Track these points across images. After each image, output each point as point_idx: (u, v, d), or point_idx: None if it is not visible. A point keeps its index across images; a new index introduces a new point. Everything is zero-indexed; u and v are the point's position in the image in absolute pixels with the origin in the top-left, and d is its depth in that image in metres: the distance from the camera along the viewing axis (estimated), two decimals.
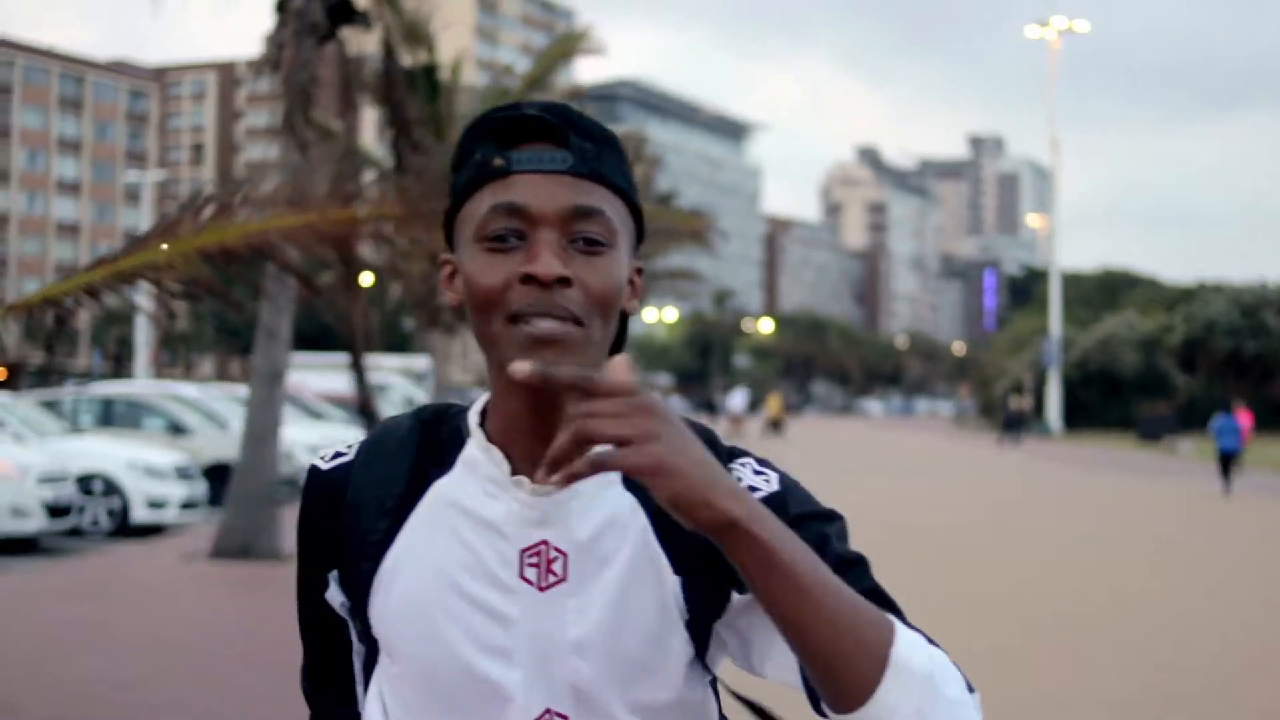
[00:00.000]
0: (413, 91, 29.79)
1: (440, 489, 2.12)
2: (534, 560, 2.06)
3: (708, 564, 2.05)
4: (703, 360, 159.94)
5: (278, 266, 9.46)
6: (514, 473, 2.08)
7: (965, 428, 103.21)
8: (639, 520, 2.10)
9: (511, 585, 2.06)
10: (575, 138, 2.06)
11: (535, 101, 2.11)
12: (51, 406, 29.18)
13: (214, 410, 30.02)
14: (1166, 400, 79.94)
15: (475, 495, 2.09)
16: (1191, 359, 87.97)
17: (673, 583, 2.08)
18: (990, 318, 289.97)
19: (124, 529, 23.05)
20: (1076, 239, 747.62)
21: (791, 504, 2.08)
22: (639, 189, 2.20)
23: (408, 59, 32.14)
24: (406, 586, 2.09)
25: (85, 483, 22.99)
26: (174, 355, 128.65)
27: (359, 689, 2.28)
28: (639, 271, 2.16)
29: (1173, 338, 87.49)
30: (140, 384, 41.27)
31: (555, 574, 2.06)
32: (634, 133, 67.30)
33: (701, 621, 2.09)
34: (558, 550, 2.06)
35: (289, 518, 18.80)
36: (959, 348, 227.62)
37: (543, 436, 2.04)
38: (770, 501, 2.03)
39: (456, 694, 2.07)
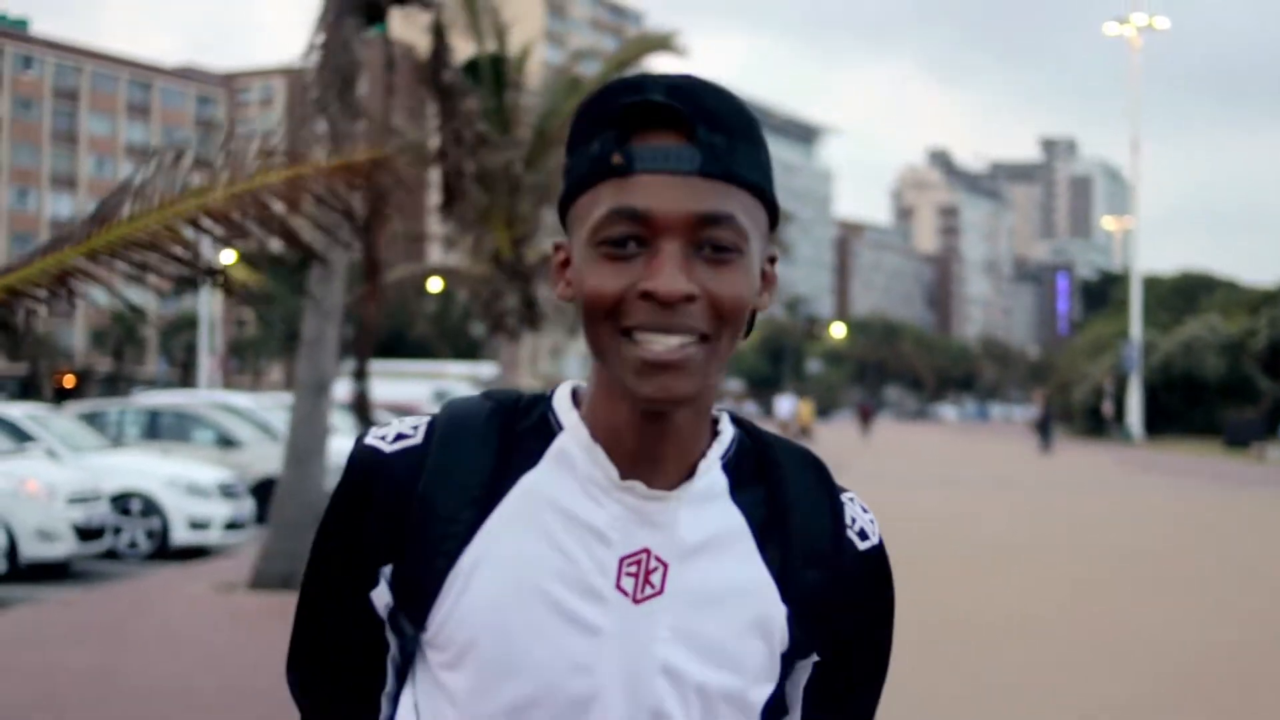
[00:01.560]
0: (475, 83, 28.46)
1: (531, 483, 2.00)
2: (633, 570, 1.97)
3: (821, 603, 2.05)
4: (774, 366, 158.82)
5: (272, 234, 7.83)
6: (622, 474, 1.98)
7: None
8: (745, 536, 2.03)
9: (605, 595, 1.96)
10: (704, 130, 1.90)
11: (662, 79, 1.93)
12: (94, 419, 27.72)
13: (266, 422, 28.62)
14: (1251, 405, 78.15)
15: (574, 495, 1.98)
16: (1276, 363, 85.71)
17: (777, 606, 2.02)
18: (1063, 322, 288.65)
19: (164, 551, 21.48)
20: (1152, 241, 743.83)
21: (892, 586, 2.14)
22: None
23: (471, 49, 30.81)
24: (486, 587, 1.96)
25: (122, 502, 21.47)
26: (242, 362, 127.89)
27: (382, 697, 2.10)
28: (772, 261, 2.03)
29: (1257, 341, 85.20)
30: (189, 394, 39.79)
31: (652, 586, 1.97)
32: None
33: (792, 658, 2.06)
34: (659, 560, 1.98)
35: None
36: (1032, 352, 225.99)
37: (651, 445, 1.98)
38: (871, 555, 2.10)
39: (527, 706, 1.96)
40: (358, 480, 2.02)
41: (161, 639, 14.18)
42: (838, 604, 2.06)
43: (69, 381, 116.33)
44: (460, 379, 51.35)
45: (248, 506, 22.65)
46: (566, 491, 1.98)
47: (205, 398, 34.45)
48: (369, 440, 2.04)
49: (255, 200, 7.67)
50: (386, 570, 2.00)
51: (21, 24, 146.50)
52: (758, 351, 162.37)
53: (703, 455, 2.03)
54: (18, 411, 22.89)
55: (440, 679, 2.01)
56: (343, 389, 47.06)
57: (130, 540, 21.57)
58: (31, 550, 18.72)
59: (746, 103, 2.02)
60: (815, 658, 2.08)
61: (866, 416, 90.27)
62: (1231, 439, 68.04)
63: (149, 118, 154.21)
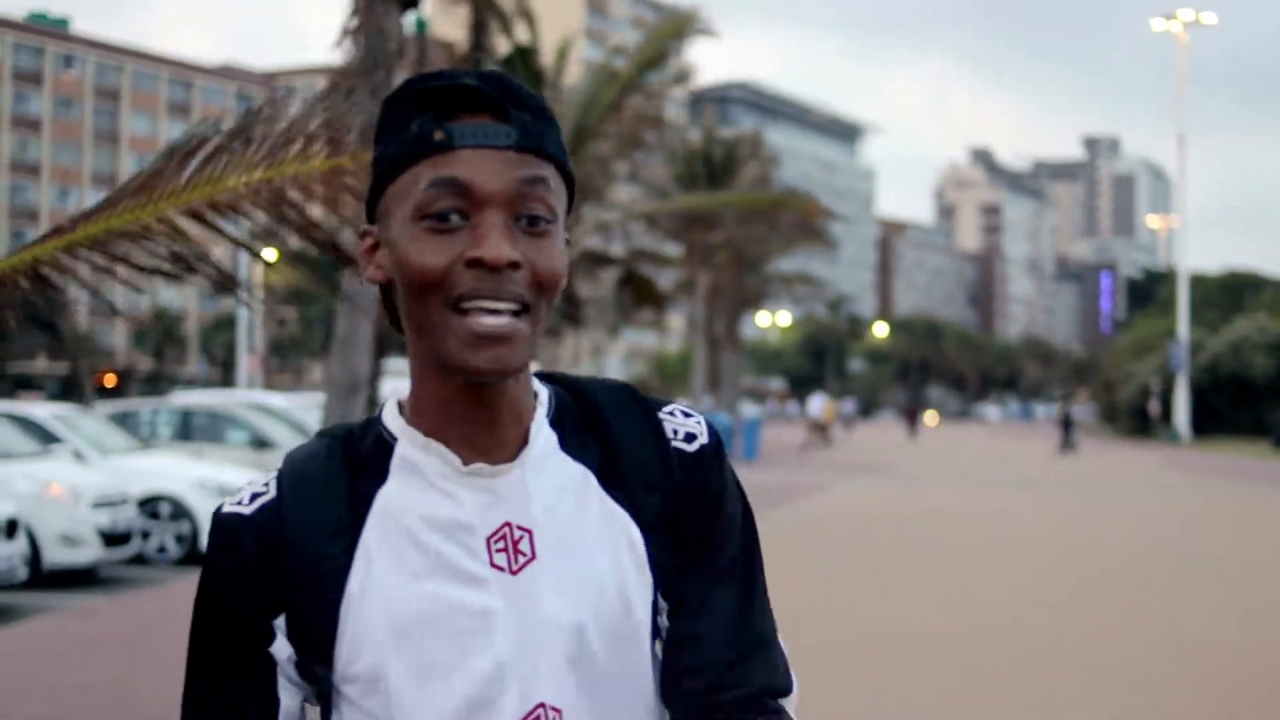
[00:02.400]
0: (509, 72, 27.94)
1: (385, 499, 2.08)
2: (501, 545, 2.06)
3: (667, 517, 2.14)
4: (817, 365, 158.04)
5: (292, 229, 7.14)
6: (465, 462, 2.06)
7: (1085, 434, 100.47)
8: (591, 484, 2.12)
9: (485, 576, 2.05)
10: (515, 110, 2.03)
11: (470, 71, 2.06)
12: (126, 420, 27.09)
13: (301, 422, 27.97)
14: None
15: (426, 496, 2.07)
16: None
17: (632, 534, 2.12)
18: (1106, 321, 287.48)
19: (194, 556, 20.81)
20: (1197, 239, 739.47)
21: (727, 470, 2.21)
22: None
23: (505, 44, 30.25)
24: (376, 605, 2.03)
25: (151, 505, 20.81)
26: (283, 361, 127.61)
27: None
28: (566, 242, 2.11)
29: None
30: (223, 394, 39.14)
31: (524, 554, 2.06)
32: (749, 136, 65.31)
33: (658, 575, 2.13)
34: (521, 529, 2.07)
35: None
36: (1075, 351, 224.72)
37: (483, 420, 2.06)
38: (698, 453, 2.18)
39: (447, 704, 2.03)
40: (227, 546, 2.07)
41: (181, 652, 13.51)
42: (680, 515, 2.15)
43: (110, 381, 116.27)
44: None
45: None
46: (418, 494, 2.06)
47: (239, 397, 33.82)
48: (227, 508, 2.10)
49: (272, 191, 6.96)
50: (280, 622, 2.06)
51: (63, 23, 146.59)
52: (800, 351, 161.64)
53: (531, 420, 2.12)
54: (43, 412, 22.23)
55: (360, 706, 2.06)
56: (387, 389, 46.58)
57: (159, 545, 20.93)
58: (55, 556, 18.10)
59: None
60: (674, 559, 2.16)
61: (913, 417, 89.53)
62: None
63: (190, 116, 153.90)
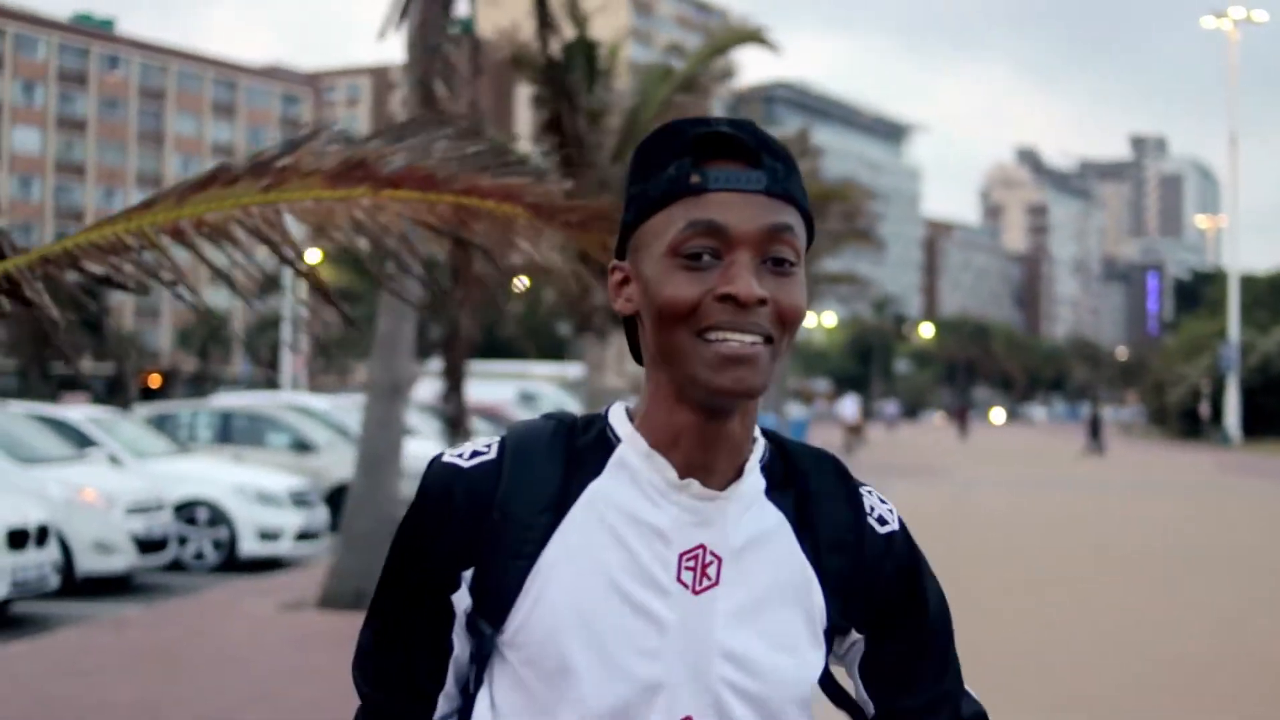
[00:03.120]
0: (569, 71, 27.50)
1: (597, 490, 2.19)
2: (691, 564, 2.16)
3: (851, 581, 2.26)
4: (863, 366, 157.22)
5: (282, 259, 6.63)
6: (681, 476, 2.17)
7: (1135, 435, 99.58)
8: (785, 533, 2.24)
9: (668, 588, 2.15)
10: (767, 158, 2.15)
11: (725, 118, 2.20)
12: (164, 422, 26.52)
13: (343, 424, 27.42)
14: None
15: (636, 499, 2.18)
16: None
17: (815, 588, 2.23)
18: (1153, 321, 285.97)
19: (232, 563, 20.25)
20: (1246, 239, 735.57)
21: (923, 563, 2.37)
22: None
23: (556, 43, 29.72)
24: (563, 586, 2.15)
25: (188, 511, 20.25)
26: (328, 362, 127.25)
27: (440, 696, 2.28)
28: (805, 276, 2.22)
29: None
30: (263, 395, 38.55)
31: (709, 578, 2.17)
32: (796, 137, 64.71)
33: (831, 635, 2.26)
34: (714, 555, 2.17)
35: None
36: (1121, 352, 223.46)
37: (710, 444, 2.17)
38: (890, 537, 2.31)
39: (603, 695, 2.13)
40: (438, 493, 2.21)
41: (216, 666, 12.91)
42: (865, 583, 2.27)
43: (154, 381, 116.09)
44: (546, 379, 49.92)
45: (321, 515, 21.37)
46: (629, 496, 2.18)
47: (279, 399, 33.24)
48: (446, 458, 2.23)
49: (268, 216, 6.47)
50: (467, 574, 2.19)
51: (108, 24, 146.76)
52: (845, 352, 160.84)
53: (746, 459, 2.23)
54: (78, 415, 21.67)
55: (520, 675, 2.18)
56: (426, 390, 45.86)
57: (196, 551, 20.36)
58: (88, 564, 17.54)
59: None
60: (855, 635, 2.30)
61: (964, 418, 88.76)
62: None
63: (234, 117, 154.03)
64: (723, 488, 2.19)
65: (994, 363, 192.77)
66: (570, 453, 2.22)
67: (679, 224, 2.10)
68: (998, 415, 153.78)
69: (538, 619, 2.14)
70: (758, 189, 2.12)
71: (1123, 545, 23.84)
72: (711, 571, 2.17)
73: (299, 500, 20.97)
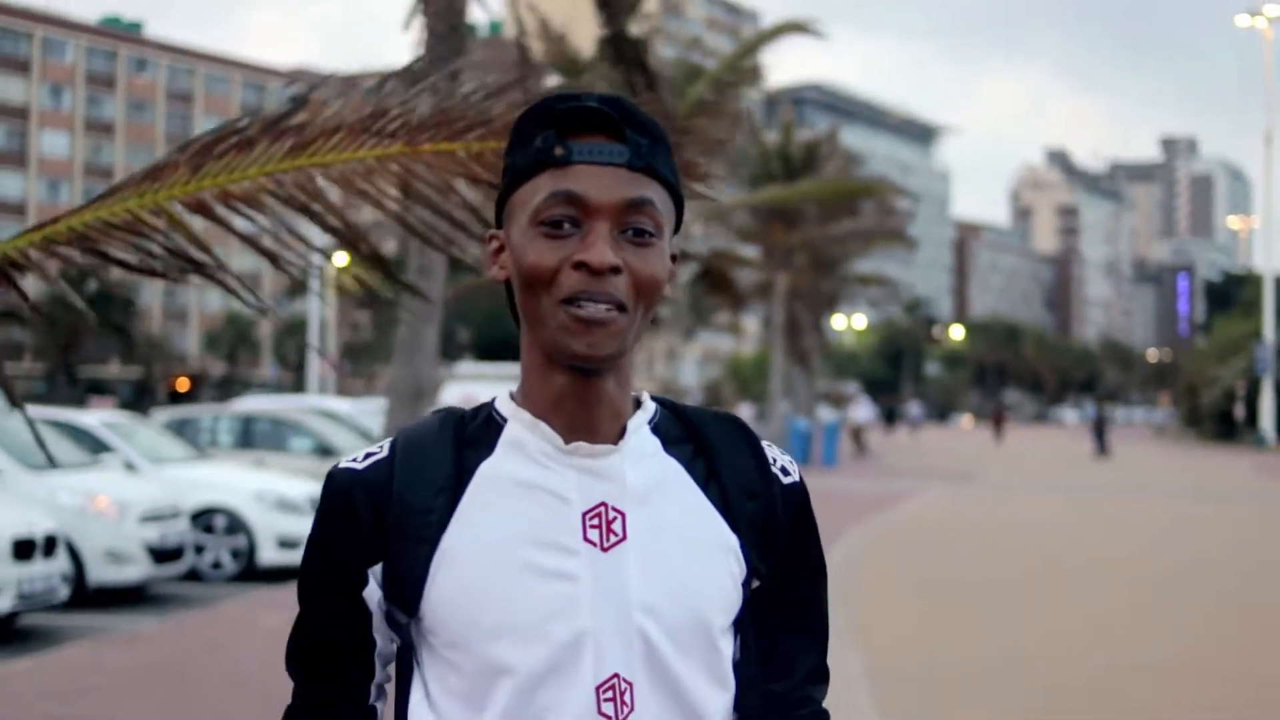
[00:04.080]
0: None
1: (489, 468, 2.27)
2: (595, 522, 2.23)
3: (763, 529, 2.35)
4: (893, 368, 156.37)
5: (321, 227, 5.93)
6: (566, 442, 2.25)
7: (1168, 438, 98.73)
8: (686, 481, 2.31)
9: (576, 548, 2.21)
10: (631, 132, 2.24)
11: (595, 93, 2.27)
12: (185, 427, 25.92)
13: (367, 428, 26.94)
14: None
15: (529, 468, 2.25)
16: None
17: (728, 537, 2.31)
18: (1184, 323, 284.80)
19: (251, 572, 19.64)
20: (1278, 240, 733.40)
21: (811, 511, 2.45)
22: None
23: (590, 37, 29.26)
24: (468, 566, 2.21)
25: (205, 518, 19.64)
26: (357, 365, 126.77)
27: (371, 685, 2.37)
28: (673, 258, 2.32)
29: None
30: (287, 399, 37.91)
31: (616, 534, 2.23)
32: (825, 138, 64.07)
33: (749, 581, 2.34)
34: (616, 510, 2.23)
35: None
36: (1153, 354, 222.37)
37: (588, 404, 2.25)
38: (794, 488, 2.42)
39: (525, 663, 2.19)
40: (337, 498, 2.29)
41: (229, 685, 12.27)
42: (773, 530, 2.37)
43: (183, 385, 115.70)
44: None
45: None
46: (522, 467, 2.25)
47: (303, 403, 32.61)
48: (343, 464, 2.32)
49: (297, 182, 5.80)
50: (376, 570, 2.27)
51: (136, 27, 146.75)
52: (876, 354, 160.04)
53: (629, 419, 2.31)
54: (93, 419, 21.03)
55: (444, 656, 2.24)
56: (453, 394, 45.38)
57: (214, 560, 19.75)
58: (100, 574, 16.94)
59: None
60: (757, 582, 2.37)
61: (999, 421, 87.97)
62: None
63: None
64: (613, 445, 2.28)
65: (1025, 365, 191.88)
66: (460, 439, 2.30)
67: (543, 193, 2.21)
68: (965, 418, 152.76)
69: (448, 600, 2.21)
70: (619, 162, 2.22)
71: (1171, 557, 23.17)
72: (617, 527, 2.23)
73: None
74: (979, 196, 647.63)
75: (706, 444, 2.36)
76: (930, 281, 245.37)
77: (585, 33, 35.43)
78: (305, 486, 20.65)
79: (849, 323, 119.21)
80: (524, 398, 2.30)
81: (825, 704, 2.49)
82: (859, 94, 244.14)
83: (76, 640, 14.42)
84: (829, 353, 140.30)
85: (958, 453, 65.84)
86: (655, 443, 2.32)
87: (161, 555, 17.44)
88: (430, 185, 5.89)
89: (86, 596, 16.80)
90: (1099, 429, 63.58)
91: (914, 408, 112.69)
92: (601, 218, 2.19)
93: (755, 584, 2.35)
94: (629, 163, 2.22)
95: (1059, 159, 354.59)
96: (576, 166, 2.21)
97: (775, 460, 2.41)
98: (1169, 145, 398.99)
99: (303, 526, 19.78)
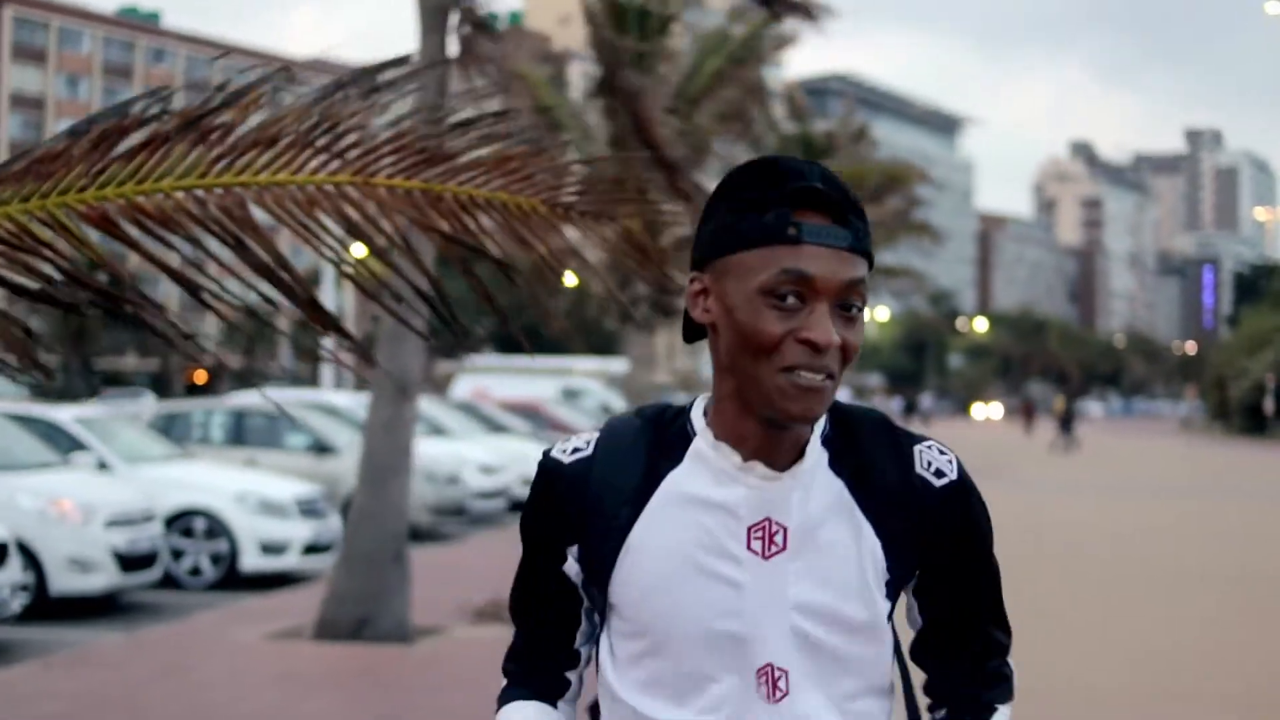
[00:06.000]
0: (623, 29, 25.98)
1: (673, 480, 2.58)
2: (759, 535, 2.52)
3: (906, 535, 2.59)
4: (916, 361, 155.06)
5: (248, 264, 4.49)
6: (745, 460, 2.54)
7: (1196, 431, 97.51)
8: (846, 500, 2.57)
9: (740, 556, 2.52)
10: (853, 217, 2.48)
11: (815, 166, 2.50)
12: (175, 422, 24.62)
13: None
14: None
15: (706, 484, 2.55)
16: None
17: (874, 545, 2.56)
18: (1208, 316, 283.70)
19: (233, 578, 18.30)
20: None
21: (977, 509, 2.68)
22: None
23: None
24: (648, 563, 2.55)
25: (183, 522, 18.32)
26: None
27: (578, 634, 2.75)
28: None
29: None
30: (284, 393, 36.53)
31: (777, 545, 2.52)
32: (854, 130, 62.97)
33: (896, 583, 2.60)
34: (779, 525, 2.53)
35: (426, 579, 14.75)
36: (1177, 346, 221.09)
37: (773, 445, 2.53)
38: (948, 488, 2.63)
39: (693, 651, 2.53)
40: (546, 484, 2.67)
41: (186, 713, 10.97)
42: (923, 534, 2.60)
43: (200, 377, 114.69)
44: (589, 375, 48.09)
45: (334, 526, 19.19)
46: (702, 481, 2.55)
47: (301, 397, 31.22)
48: (553, 454, 2.67)
49: (229, 206, 4.46)
50: (573, 550, 2.64)
51: (154, 17, 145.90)
52: (899, 346, 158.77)
53: (808, 440, 2.57)
54: (66, 415, 19.64)
55: (622, 630, 2.61)
56: (463, 387, 43.98)
57: (192, 566, 18.40)
58: (62, 583, 15.62)
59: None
60: (916, 572, 2.63)
61: (1030, 414, 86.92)
62: None
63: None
64: (786, 468, 2.54)
65: (1049, 357, 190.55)
66: (654, 446, 2.61)
67: (774, 268, 2.44)
68: (994, 410, 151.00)
69: (631, 587, 2.57)
70: (843, 245, 2.46)
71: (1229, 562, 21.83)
72: (779, 539, 2.52)
73: (307, 509, 18.96)
74: (1002, 189, 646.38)
75: (862, 457, 2.60)
76: (953, 273, 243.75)
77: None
78: (291, 487, 19.29)
79: (871, 315, 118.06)
80: (715, 419, 2.58)
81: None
82: (881, 85, 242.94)
83: (28, 659, 13.11)
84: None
85: (988, 447, 64.49)
86: (825, 458, 2.58)
87: (130, 562, 16.09)
88: (380, 231, 4.59)
89: (49, 607, 15.52)
90: (1066, 421, 62.43)
91: (925, 399, 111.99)
92: (825, 297, 2.44)
93: (911, 583, 2.65)
94: (850, 246, 2.46)
95: (1083, 151, 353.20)
96: (806, 247, 2.43)
97: (929, 465, 2.63)
98: (1193, 137, 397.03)
99: (287, 530, 18.54)
